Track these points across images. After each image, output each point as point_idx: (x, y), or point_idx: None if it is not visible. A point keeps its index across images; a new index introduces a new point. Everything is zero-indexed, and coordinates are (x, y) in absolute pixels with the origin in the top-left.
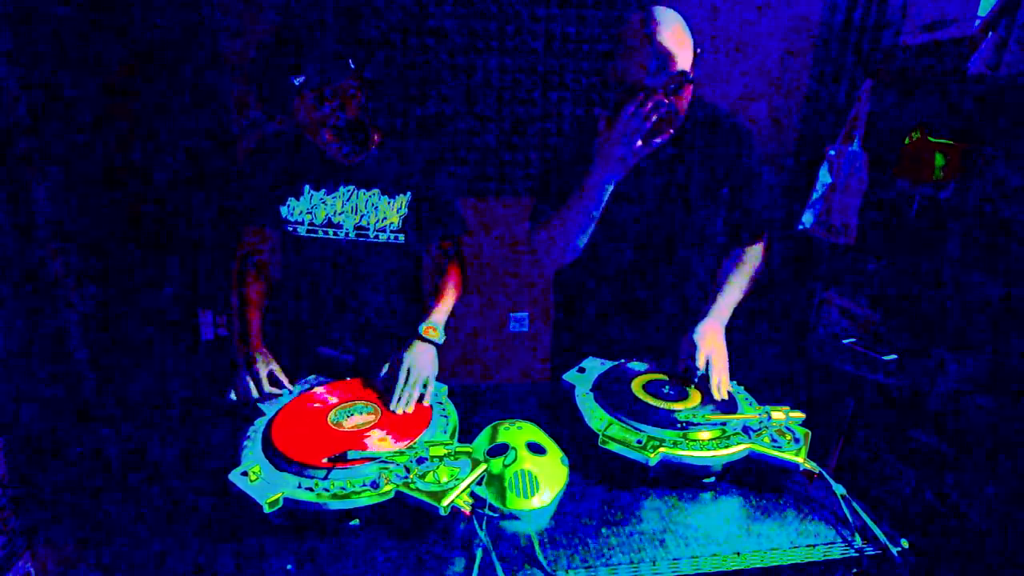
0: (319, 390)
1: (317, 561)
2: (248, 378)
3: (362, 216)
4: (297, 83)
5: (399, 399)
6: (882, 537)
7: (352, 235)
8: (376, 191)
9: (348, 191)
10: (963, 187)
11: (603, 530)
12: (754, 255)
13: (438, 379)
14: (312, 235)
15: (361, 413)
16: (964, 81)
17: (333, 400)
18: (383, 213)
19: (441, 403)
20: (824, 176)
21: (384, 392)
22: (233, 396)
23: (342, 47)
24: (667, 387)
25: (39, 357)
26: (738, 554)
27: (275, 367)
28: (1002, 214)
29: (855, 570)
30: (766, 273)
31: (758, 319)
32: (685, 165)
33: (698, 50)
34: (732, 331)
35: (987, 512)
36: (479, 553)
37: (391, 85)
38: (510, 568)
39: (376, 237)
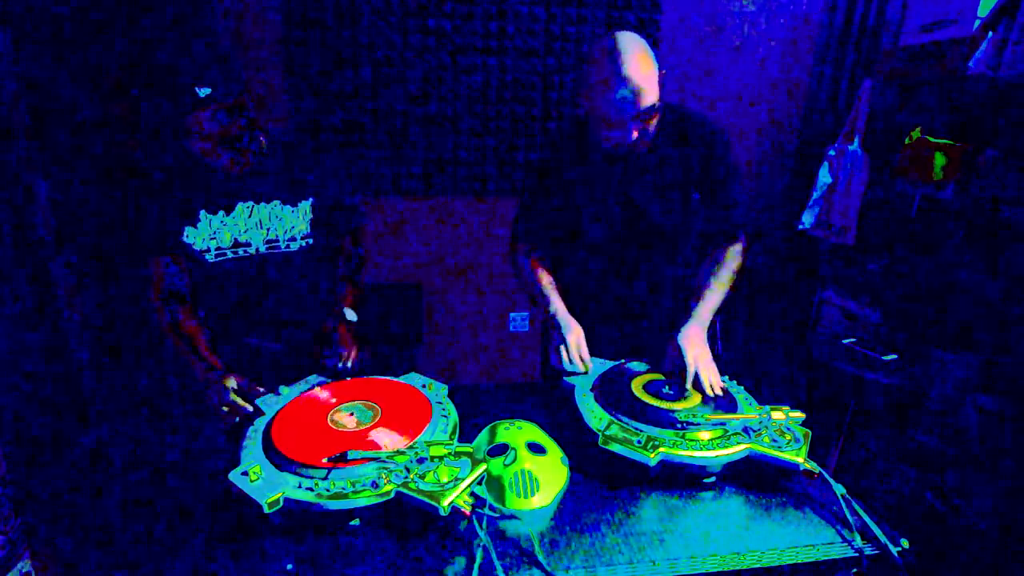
0: (319, 390)
1: (317, 561)
2: (221, 401)
3: (269, 229)
4: (202, 95)
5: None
6: (882, 537)
7: (263, 250)
8: (276, 202)
9: (247, 208)
10: (963, 187)
11: (603, 530)
12: (733, 255)
13: (438, 379)
14: (221, 258)
15: (361, 413)
16: (964, 81)
17: (333, 400)
18: (290, 222)
19: (441, 403)
20: (824, 176)
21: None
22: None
23: (224, 54)
24: (667, 387)
25: (39, 357)
26: (738, 554)
27: (244, 381)
28: (1002, 214)
29: (855, 570)
30: (767, 273)
31: (758, 319)
32: (659, 168)
33: (663, 71)
34: (732, 331)
35: (987, 512)
36: (479, 553)
37: (391, 85)
38: (510, 568)
39: (288, 247)
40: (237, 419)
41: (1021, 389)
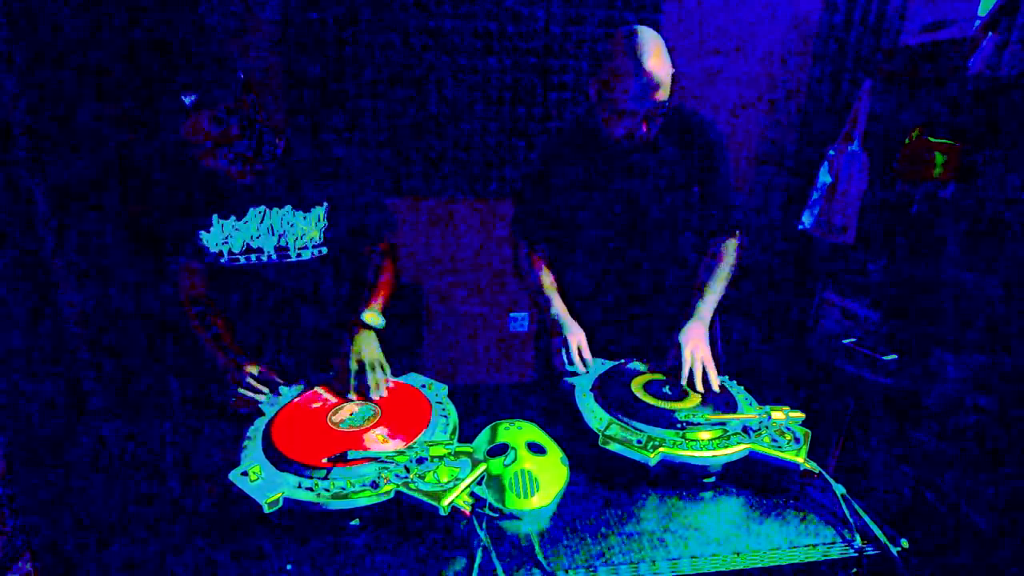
0: (319, 390)
1: (317, 561)
2: (241, 387)
3: (280, 236)
4: (188, 103)
5: (371, 387)
6: (882, 537)
7: (274, 257)
8: (288, 208)
9: (259, 213)
10: (963, 187)
11: (603, 530)
12: (730, 251)
13: (437, 379)
14: (234, 263)
15: (361, 413)
16: (964, 81)
17: (333, 400)
18: (301, 230)
19: (441, 403)
20: (824, 176)
21: (340, 389)
22: (243, 391)
23: (228, 56)
24: (667, 387)
25: (39, 357)
26: (738, 554)
27: (264, 369)
28: (1002, 214)
29: (855, 570)
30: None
31: (758, 319)
32: (658, 167)
33: (673, 71)
34: (733, 331)
35: (987, 512)
36: (479, 553)
37: (391, 85)
38: (510, 568)
39: (299, 256)
40: (246, 410)
41: (1021, 389)
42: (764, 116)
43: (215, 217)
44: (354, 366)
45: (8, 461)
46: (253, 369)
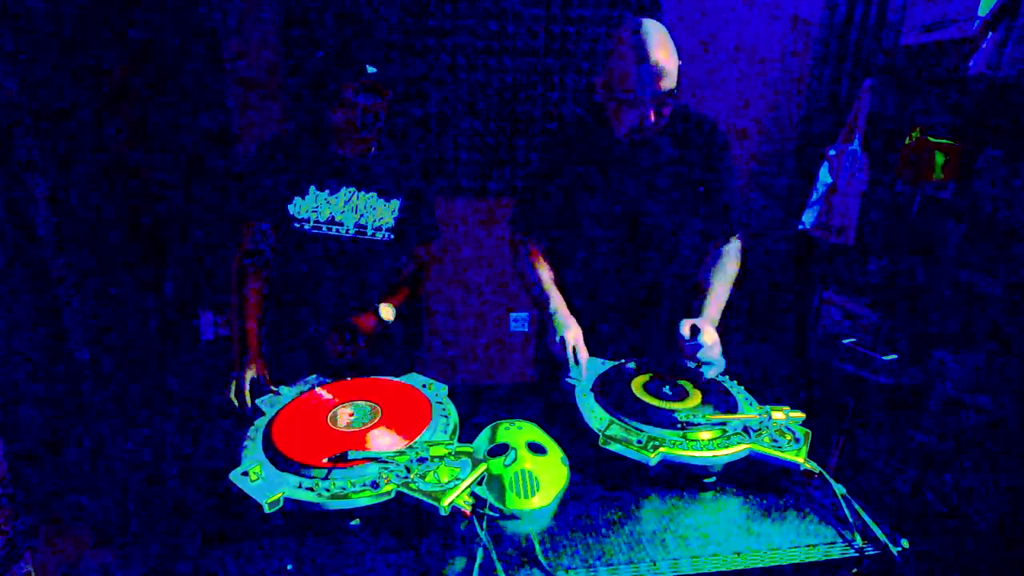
0: (319, 390)
1: (317, 561)
2: (233, 387)
3: (361, 215)
4: (372, 72)
5: (336, 352)
6: (882, 537)
7: (352, 232)
8: (373, 194)
9: (349, 192)
10: (963, 187)
11: (603, 530)
12: (733, 252)
13: (437, 379)
14: (317, 231)
15: (362, 413)
16: (964, 81)
17: (333, 400)
18: (379, 213)
19: (441, 403)
20: (824, 176)
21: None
22: (231, 396)
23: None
24: (667, 387)
25: (39, 357)
26: (738, 554)
27: (264, 375)
28: (1002, 214)
29: (855, 570)
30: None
31: (758, 319)
32: (659, 167)
33: (680, 61)
34: (733, 331)
35: (987, 512)
36: (479, 553)
37: (391, 85)
38: (510, 568)
39: (374, 235)
40: (228, 420)
41: (1021, 389)
42: (764, 116)
43: (312, 188)
44: (345, 332)
45: (8, 461)
46: (250, 374)
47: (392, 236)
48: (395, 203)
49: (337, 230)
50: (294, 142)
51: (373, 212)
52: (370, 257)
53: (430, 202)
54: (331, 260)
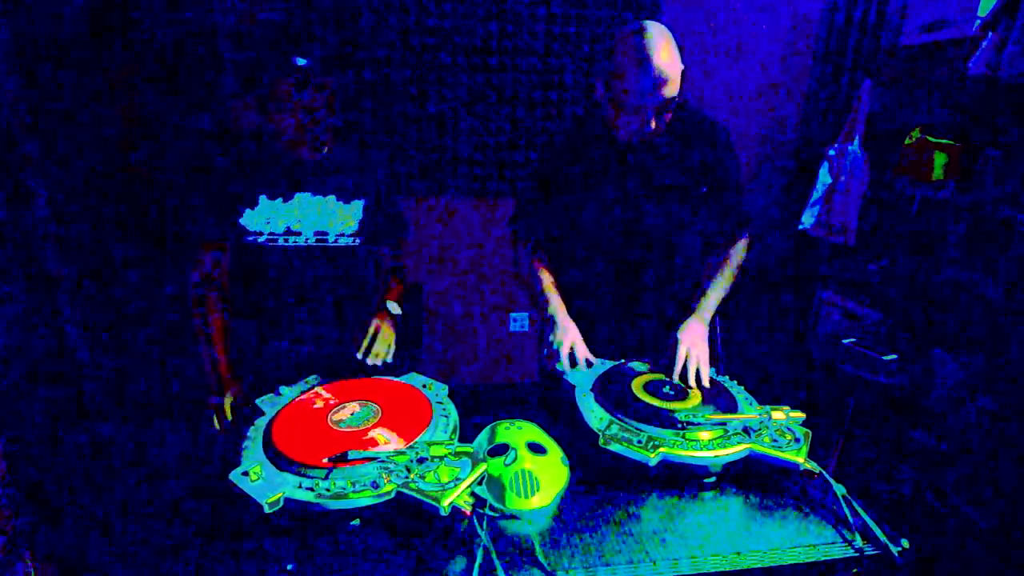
0: (319, 390)
1: (317, 561)
2: (216, 421)
3: (319, 222)
4: (302, 64)
5: (374, 352)
6: (882, 537)
7: (312, 240)
8: (332, 196)
9: (303, 198)
10: (963, 187)
11: (603, 530)
12: (738, 251)
13: (438, 379)
14: (272, 243)
15: (362, 413)
16: (964, 81)
17: (333, 400)
18: (341, 218)
19: (441, 403)
20: (824, 176)
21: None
22: (218, 427)
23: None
24: (667, 387)
25: (39, 357)
26: (738, 554)
27: (241, 395)
28: (1002, 214)
29: (855, 570)
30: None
31: (758, 319)
32: (660, 167)
33: (684, 67)
34: (732, 331)
35: (987, 512)
36: (479, 553)
37: (391, 85)
38: (510, 568)
39: (336, 241)
40: (215, 428)
41: (1021, 389)
42: (764, 116)
43: (262, 197)
44: (372, 330)
45: (8, 461)
46: (231, 398)
47: (358, 240)
48: (357, 204)
49: (295, 240)
50: (241, 150)
51: (333, 216)
52: (333, 264)
53: (394, 199)
54: (294, 272)
